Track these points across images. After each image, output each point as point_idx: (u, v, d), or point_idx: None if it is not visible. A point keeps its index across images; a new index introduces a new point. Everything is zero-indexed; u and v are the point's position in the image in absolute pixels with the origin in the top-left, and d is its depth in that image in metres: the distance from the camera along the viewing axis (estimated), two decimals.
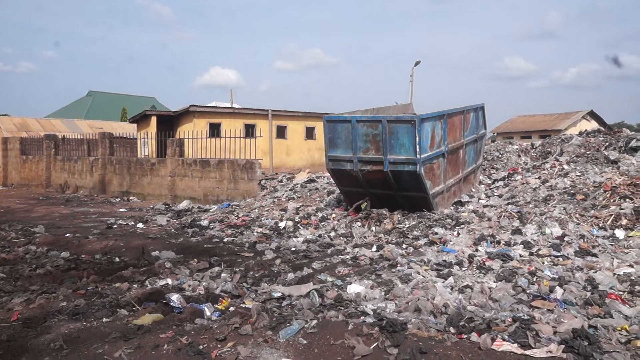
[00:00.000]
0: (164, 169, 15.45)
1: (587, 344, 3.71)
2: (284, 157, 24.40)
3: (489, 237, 7.25)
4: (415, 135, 8.28)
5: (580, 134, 14.75)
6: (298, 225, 9.41)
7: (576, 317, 4.27)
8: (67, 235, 9.20)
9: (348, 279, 5.81)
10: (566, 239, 6.89)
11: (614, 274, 5.47)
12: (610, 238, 6.80)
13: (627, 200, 7.83)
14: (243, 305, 4.87)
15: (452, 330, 4.12)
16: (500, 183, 11.11)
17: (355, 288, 5.33)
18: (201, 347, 3.91)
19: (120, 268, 6.55)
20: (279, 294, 5.22)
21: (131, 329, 4.27)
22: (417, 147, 8.29)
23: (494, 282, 5.42)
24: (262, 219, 10.15)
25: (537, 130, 38.60)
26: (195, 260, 6.87)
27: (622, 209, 7.47)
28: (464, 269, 6.02)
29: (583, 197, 8.47)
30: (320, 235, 8.53)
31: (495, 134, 41.40)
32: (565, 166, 11.26)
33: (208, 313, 4.65)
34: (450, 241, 7.29)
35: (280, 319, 4.37)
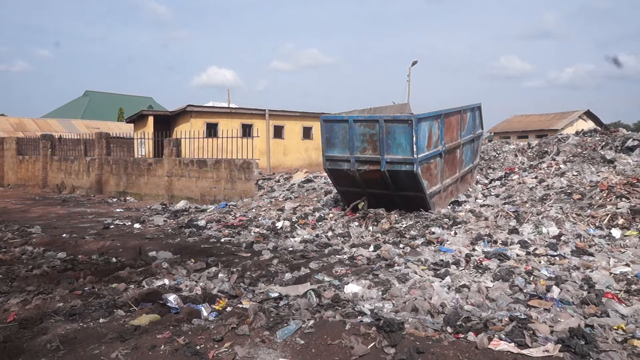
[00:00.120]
0: (161, 169, 15.41)
1: (583, 343, 3.72)
2: (281, 157, 24.36)
3: (486, 237, 7.26)
4: (412, 135, 8.28)
5: (577, 133, 14.82)
6: (295, 225, 9.40)
7: (573, 316, 4.28)
8: (64, 235, 9.17)
9: (345, 278, 5.81)
10: (563, 238, 6.90)
11: (611, 273, 5.49)
12: (607, 237, 6.82)
13: (624, 199, 7.85)
14: (240, 306, 4.86)
15: (449, 329, 4.12)
16: (497, 183, 11.12)
17: (352, 288, 5.33)
18: (198, 347, 3.90)
19: (117, 268, 6.53)
20: (276, 294, 5.21)
21: (128, 329, 4.26)
22: (414, 146, 8.29)
23: (491, 281, 5.43)
24: (260, 219, 10.14)
25: (534, 130, 38.75)
26: (193, 260, 6.86)
27: (619, 209, 7.50)
28: (461, 268, 6.03)
29: (579, 196, 8.49)
30: (317, 235, 8.52)
31: (492, 134, 41.49)
32: (562, 166, 11.29)
33: (205, 313, 4.64)
34: (448, 241, 7.30)
35: (278, 319, 4.37)
